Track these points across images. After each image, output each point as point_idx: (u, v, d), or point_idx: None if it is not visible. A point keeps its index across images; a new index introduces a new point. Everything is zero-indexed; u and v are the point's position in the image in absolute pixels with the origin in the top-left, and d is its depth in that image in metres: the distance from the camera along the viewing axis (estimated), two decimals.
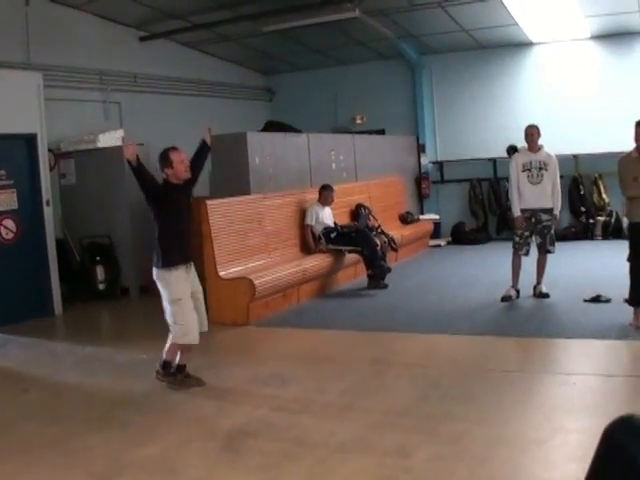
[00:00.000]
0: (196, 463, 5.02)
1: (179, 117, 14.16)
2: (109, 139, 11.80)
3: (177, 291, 6.47)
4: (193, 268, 6.71)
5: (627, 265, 7.83)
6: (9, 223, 9.95)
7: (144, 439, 5.52)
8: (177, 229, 6.51)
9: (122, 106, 13.19)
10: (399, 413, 5.75)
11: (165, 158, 6.49)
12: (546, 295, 9.34)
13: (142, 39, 13.82)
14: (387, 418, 5.66)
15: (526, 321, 8.45)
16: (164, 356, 6.70)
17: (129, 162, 6.29)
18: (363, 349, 7.89)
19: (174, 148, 6.60)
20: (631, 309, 7.80)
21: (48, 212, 10.45)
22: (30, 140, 10.30)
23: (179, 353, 6.69)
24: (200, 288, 6.82)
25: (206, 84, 15.44)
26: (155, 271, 6.58)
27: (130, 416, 6.07)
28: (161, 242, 6.53)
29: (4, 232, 9.92)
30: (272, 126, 13.22)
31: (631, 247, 7.80)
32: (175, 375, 6.71)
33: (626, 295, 7.92)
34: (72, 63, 12.22)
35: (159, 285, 6.62)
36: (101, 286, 11.41)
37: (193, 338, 6.54)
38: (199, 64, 15.32)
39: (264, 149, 11.02)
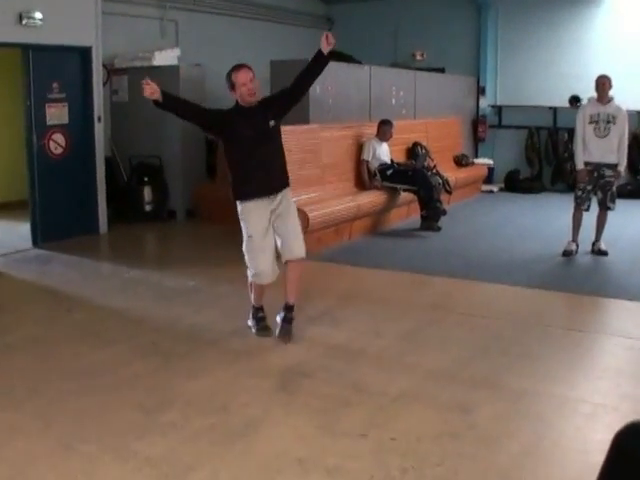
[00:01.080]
0: (248, 401, 4.82)
1: (235, 39, 13.77)
2: (165, 57, 11.49)
3: (248, 227, 5.90)
4: (280, 197, 5.92)
5: None
6: (59, 137, 9.71)
7: (192, 371, 5.34)
8: (249, 157, 5.78)
9: (179, 25, 12.82)
10: (460, 365, 5.49)
11: (228, 79, 5.81)
12: (605, 253, 8.96)
13: None
14: (447, 369, 5.40)
15: (586, 278, 8.11)
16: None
17: (154, 102, 5.59)
18: (418, 293, 7.62)
19: (239, 67, 5.81)
20: None
21: (99, 129, 10.21)
22: (85, 53, 10.03)
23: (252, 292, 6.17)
24: (291, 214, 6.04)
25: (265, 8, 14.95)
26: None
27: (177, 346, 5.89)
28: (231, 172, 5.96)
29: (53, 146, 9.69)
30: (332, 55, 12.75)
31: None
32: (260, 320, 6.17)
33: None
34: None
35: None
36: (147, 207, 11.18)
37: (260, 278, 5.93)
38: None
39: (325, 78, 10.59)
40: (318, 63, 5.88)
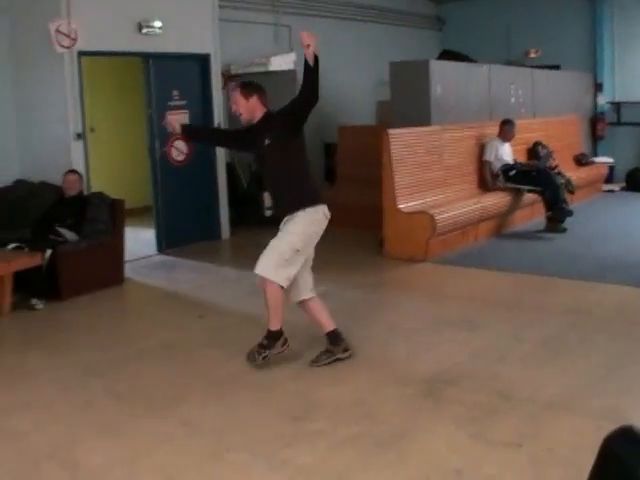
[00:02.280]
0: (394, 409, 4.70)
1: (348, 42, 13.80)
2: (281, 62, 11.51)
3: None
4: (285, 220, 5.54)
5: None
6: (180, 145, 9.79)
7: (332, 378, 5.27)
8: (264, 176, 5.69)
9: (292, 29, 12.83)
10: (607, 371, 5.25)
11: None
12: None
13: None
14: (595, 375, 5.17)
15: None
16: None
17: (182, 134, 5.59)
18: (551, 296, 7.35)
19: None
20: None
21: None
22: (203, 60, 10.12)
23: None
24: (281, 235, 5.58)
25: (376, 10, 14.85)
26: None
27: (314, 351, 5.73)
28: None
29: (175, 153, 9.79)
30: (448, 55, 12.61)
31: None
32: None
33: None
34: None
35: None
36: (268, 212, 11.18)
37: None
38: None
39: (446, 79, 10.46)
40: (307, 74, 5.24)
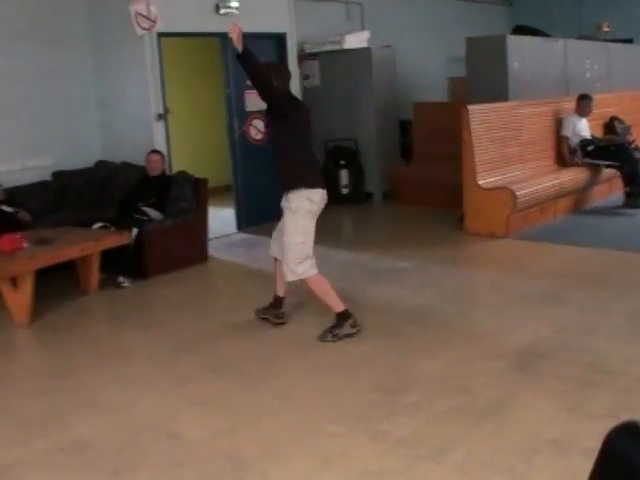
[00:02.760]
0: (489, 382, 4.73)
1: (418, 20, 13.80)
2: (355, 40, 11.50)
3: None
4: (285, 201, 5.71)
5: None
6: (258, 123, 9.89)
7: (423, 352, 5.32)
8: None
9: (364, 7, 12.82)
10: None
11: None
12: None
13: None
14: None
15: None
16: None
17: (240, 52, 5.33)
18: (635, 271, 7.31)
19: None
20: None
21: None
22: (280, 39, 10.18)
23: None
24: (286, 231, 5.70)
25: None
26: None
27: (403, 327, 5.86)
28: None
29: (253, 132, 9.90)
30: (522, 30, 12.51)
31: None
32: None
33: None
34: None
35: None
36: (344, 190, 11.25)
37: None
38: None
39: (523, 54, 10.37)
40: (241, 63, 5.45)
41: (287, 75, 5.87)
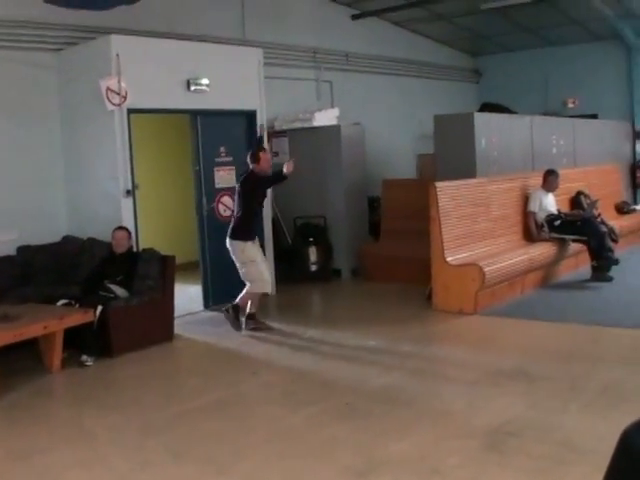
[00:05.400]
0: (460, 463, 4.64)
1: (388, 97, 14.03)
2: (324, 118, 11.61)
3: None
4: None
5: None
6: (227, 200, 9.86)
7: (392, 433, 5.22)
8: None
9: (333, 85, 12.99)
10: None
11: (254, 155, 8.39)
12: None
13: (354, 17, 13.57)
14: None
15: None
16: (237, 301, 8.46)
17: (284, 177, 8.17)
18: (605, 345, 7.34)
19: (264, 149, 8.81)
20: None
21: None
22: (250, 117, 10.21)
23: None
24: None
25: (415, 64, 15.11)
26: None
27: (372, 407, 5.77)
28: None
29: (222, 209, 9.86)
30: (489, 108, 12.73)
31: None
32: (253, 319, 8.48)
33: None
34: (286, 41, 12.17)
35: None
36: (313, 267, 11.23)
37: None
38: (409, 44, 15.05)
39: (490, 130, 10.51)
40: (279, 179, 8.39)
41: None
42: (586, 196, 11.84)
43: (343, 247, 11.33)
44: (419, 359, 7.05)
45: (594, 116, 15.59)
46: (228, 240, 8.36)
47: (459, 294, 8.54)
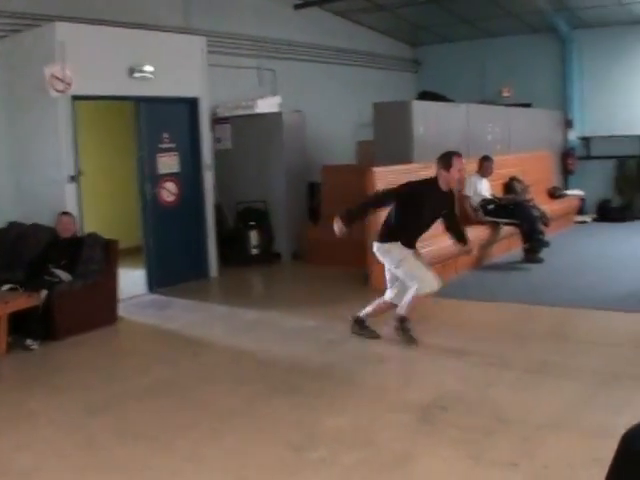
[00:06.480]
0: (394, 435, 4.91)
1: (329, 85, 14.24)
2: (266, 105, 11.83)
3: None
4: None
5: None
6: (170, 186, 10.02)
7: (330, 408, 5.46)
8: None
9: (276, 73, 13.16)
10: (595, 390, 5.56)
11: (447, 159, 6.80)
12: None
13: (296, 7, 13.74)
14: (584, 396, 5.46)
15: None
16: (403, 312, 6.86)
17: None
18: (533, 323, 7.72)
19: (459, 155, 6.89)
20: None
21: (208, 176, 10.51)
22: (192, 104, 10.34)
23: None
24: None
25: (356, 54, 15.32)
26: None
27: (312, 384, 6.01)
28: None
29: (165, 194, 10.01)
30: (427, 96, 13.02)
31: None
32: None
33: None
34: (229, 29, 12.27)
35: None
36: (254, 251, 11.44)
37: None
38: (350, 34, 15.23)
39: (427, 118, 10.78)
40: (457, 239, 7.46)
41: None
42: (519, 181, 12.21)
43: (284, 231, 11.58)
44: (356, 338, 7.27)
45: (528, 105, 15.99)
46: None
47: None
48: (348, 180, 10.35)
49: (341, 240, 10.37)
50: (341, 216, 6.66)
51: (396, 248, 6.81)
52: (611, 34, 15.51)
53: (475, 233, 10.21)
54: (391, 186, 7.10)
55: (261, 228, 11.46)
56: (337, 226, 6.66)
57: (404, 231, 6.82)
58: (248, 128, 11.61)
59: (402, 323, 6.81)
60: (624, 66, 15.57)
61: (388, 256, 6.89)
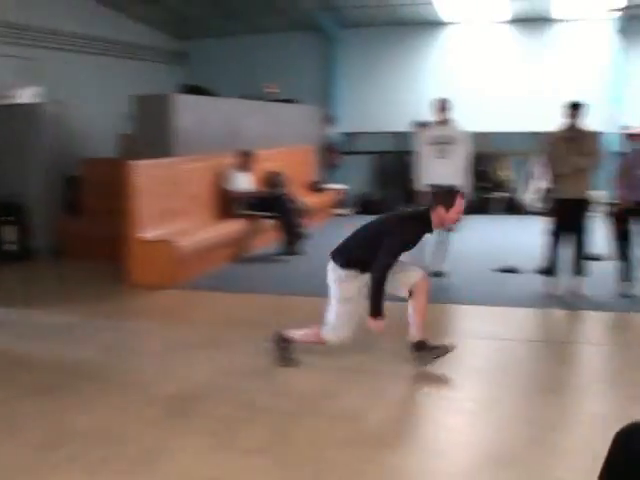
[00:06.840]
0: (143, 430, 4.97)
1: (92, 76, 13.98)
2: (25, 95, 11.47)
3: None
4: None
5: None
6: None
7: (80, 407, 5.41)
8: None
9: (37, 63, 12.80)
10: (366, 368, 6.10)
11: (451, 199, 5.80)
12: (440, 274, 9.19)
13: None
14: (340, 375, 5.96)
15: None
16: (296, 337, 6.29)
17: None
18: (288, 313, 7.94)
19: (462, 195, 5.90)
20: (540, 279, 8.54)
21: None
22: None
23: None
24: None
25: (119, 44, 15.16)
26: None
27: (62, 383, 5.92)
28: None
29: None
30: (191, 90, 13.12)
31: (557, 221, 8.29)
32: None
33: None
34: None
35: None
36: (10, 247, 11.02)
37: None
38: (114, 24, 15.05)
39: (189, 112, 10.87)
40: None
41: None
42: (279, 175, 12.59)
43: (42, 226, 11.21)
44: (111, 333, 7.27)
45: (290, 101, 16.45)
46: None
47: (154, 270, 8.93)
48: (108, 173, 10.20)
49: (101, 234, 10.42)
50: (372, 315, 5.82)
51: (351, 282, 6.00)
52: (375, 34, 16.51)
53: (235, 226, 10.53)
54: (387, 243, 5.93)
55: (17, 223, 11.04)
56: (376, 326, 5.84)
57: (369, 261, 5.87)
58: (6, 119, 11.17)
59: (285, 342, 6.28)
60: (385, 65, 16.67)
61: (339, 286, 6.05)
